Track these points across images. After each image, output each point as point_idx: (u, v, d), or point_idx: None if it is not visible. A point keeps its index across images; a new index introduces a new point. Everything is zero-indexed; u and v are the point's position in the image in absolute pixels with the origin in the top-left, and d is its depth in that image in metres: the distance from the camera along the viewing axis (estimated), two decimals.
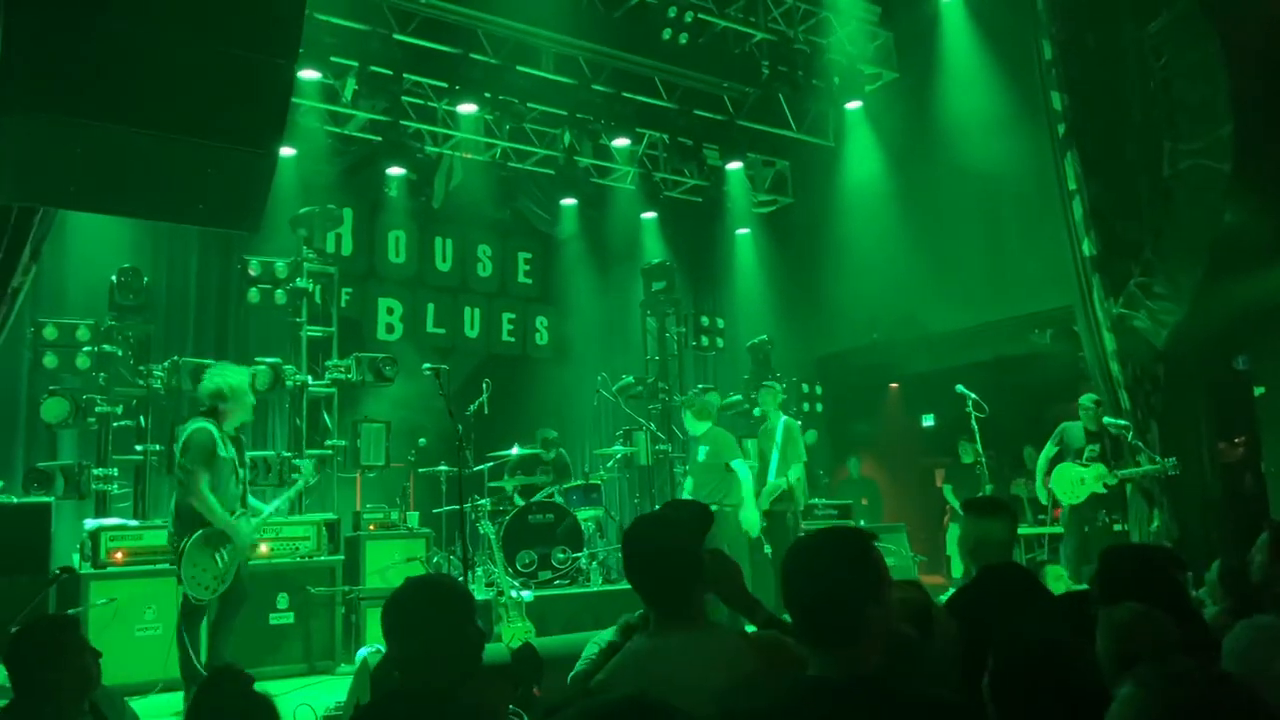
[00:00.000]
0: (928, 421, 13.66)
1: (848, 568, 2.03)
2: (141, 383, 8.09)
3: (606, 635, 4.12)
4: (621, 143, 11.32)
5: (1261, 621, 2.44)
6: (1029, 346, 10.81)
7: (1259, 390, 8.37)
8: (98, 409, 7.87)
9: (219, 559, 5.72)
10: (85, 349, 7.86)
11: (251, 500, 6.16)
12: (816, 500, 10.29)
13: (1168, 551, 4.14)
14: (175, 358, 8.19)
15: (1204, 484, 7.92)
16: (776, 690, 2.06)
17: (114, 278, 8.08)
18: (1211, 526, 7.83)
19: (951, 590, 5.86)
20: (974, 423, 7.97)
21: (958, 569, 10.48)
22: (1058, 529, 9.58)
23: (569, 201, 11.94)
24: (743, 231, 12.94)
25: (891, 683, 1.97)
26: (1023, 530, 9.73)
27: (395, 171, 10.58)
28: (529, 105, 10.40)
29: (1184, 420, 7.97)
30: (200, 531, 5.65)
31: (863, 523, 10.53)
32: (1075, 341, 8.92)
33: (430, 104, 10.45)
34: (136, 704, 3.81)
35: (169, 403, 8.35)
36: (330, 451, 8.86)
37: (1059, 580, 5.89)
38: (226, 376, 6.00)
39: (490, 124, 10.75)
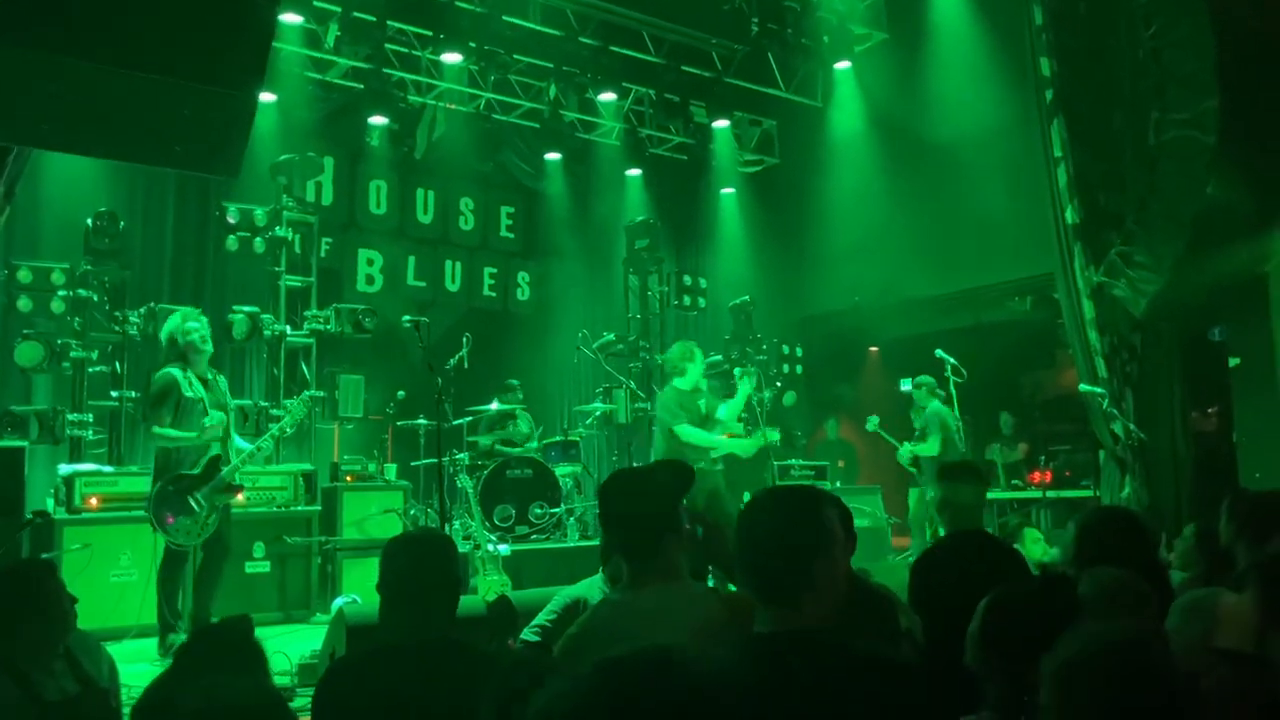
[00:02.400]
0: (906, 386, 13.72)
1: (795, 522, 2.03)
2: (117, 328, 8.00)
3: (575, 591, 4.15)
4: (608, 97, 11.20)
5: (1187, 600, 2.50)
6: (1008, 313, 10.87)
7: (1234, 361, 8.45)
8: (73, 354, 7.79)
9: (194, 503, 5.72)
10: (60, 293, 7.76)
11: (240, 442, 6.15)
12: (793, 461, 10.37)
13: (1143, 517, 4.19)
14: (151, 304, 8.10)
15: (1175, 453, 8.02)
16: (723, 648, 2.07)
17: (89, 221, 7.96)
18: (1182, 495, 7.95)
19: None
20: (952, 387, 8.01)
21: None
22: (1032, 493, 9.71)
23: (553, 156, 11.83)
24: (728, 191, 12.87)
25: (839, 636, 1.98)
26: (996, 495, 9.85)
27: (377, 120, 10.41)
28: (514, 56, 10.25)
29: (1159, 389, 8.06)
30: (163, 479, 5.66)
31: (838, 484, 10.63)
32: (1055, 309, 8.98)
33: (414, 52, 10.28)
34: (111, 649, 3.80)
35: (145, 349, 8.28)
36: (309, 402, 8.81)
37: (1036, 543, 5.96)
38: (166, 323, 6.01)
39: (475, 74, 10.60)
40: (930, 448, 8.84)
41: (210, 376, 6.02)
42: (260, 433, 7.88)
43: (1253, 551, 3.42)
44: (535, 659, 2.78)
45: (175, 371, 5.82)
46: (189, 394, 5.78)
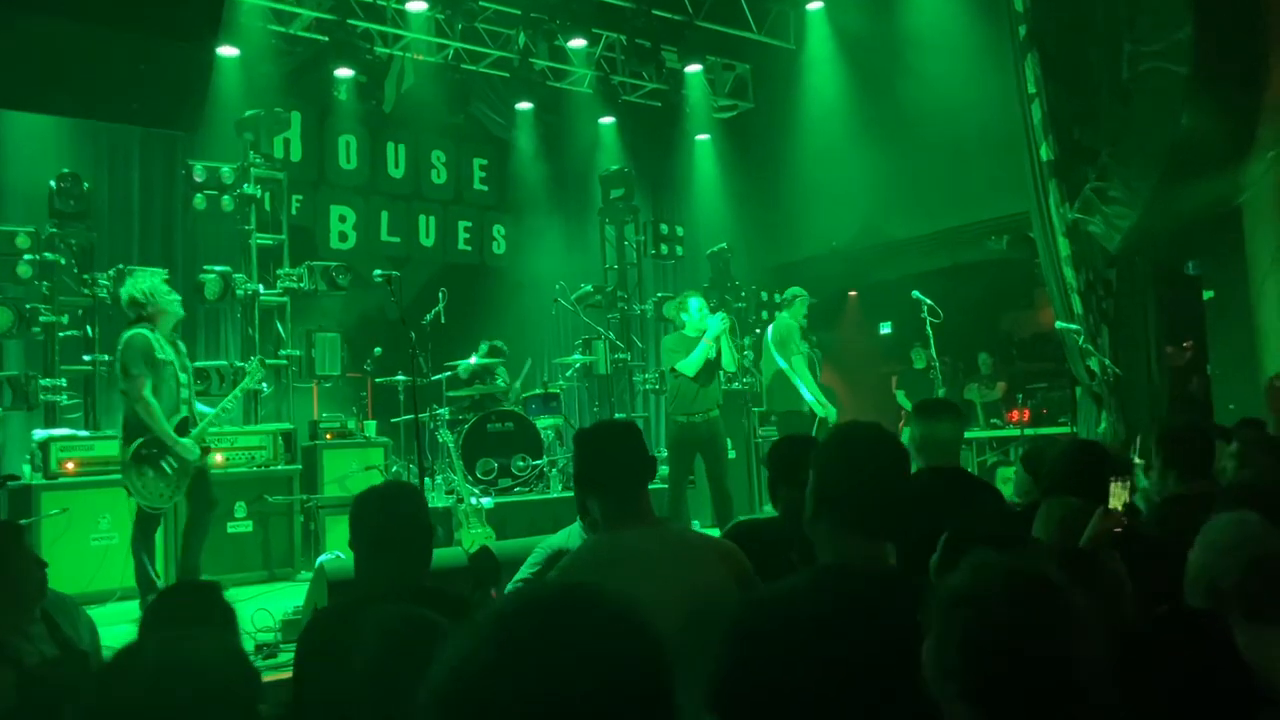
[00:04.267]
0: (885, 329, 13.76)
1: (908, 460, 2.15)
2: (87, 291, 7.89)
3: (555, 540, 4.18)
4: (578, 44, 11.03)
5: (1229, 519, 2.44)
6: (986, 253, 10.88)
7: (1208, 294, 8.50)
8: (42, 318, 7.68)
9: (166, 466, 5.67)
10: (26, 257, 7.61)
11: (200, 406, 6.09)
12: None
13: (1102, 447, 4.22)
14: (120, 266, 7.97)
15: (1151, 387, 8.09)
16: (808, 578, 2.03)
17: (53, 183, 7.79)
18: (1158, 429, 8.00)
19: None
20: (929, 329, 8.02)
21: None
22: (1011, 431, 9.80)
23: (524, 106, 11.67)
24: (702, 137, 12.74)
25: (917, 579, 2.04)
26: (974, 434, 9.93)
27: (344, 73, 10.20)
28: (481, 4, 10.06)
29: (1134, 324, 8.10)
30: (139, 441, 5.60)
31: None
32: (1031, 247, 8.97)
33: (379, 2, 10.07)
34: (94, 612, 3.79)
35: (116, 312, 8.16)
36: (285, 362, 8.76)
37: (1007, 483, 6.01)
38: (138, 282, 5.89)
39: (441, 24, 10.40)
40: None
41: (171, 339, 5.94)
42: None
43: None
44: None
45: (145, 331, 5.72)
46: (161, 356, 5.70)
